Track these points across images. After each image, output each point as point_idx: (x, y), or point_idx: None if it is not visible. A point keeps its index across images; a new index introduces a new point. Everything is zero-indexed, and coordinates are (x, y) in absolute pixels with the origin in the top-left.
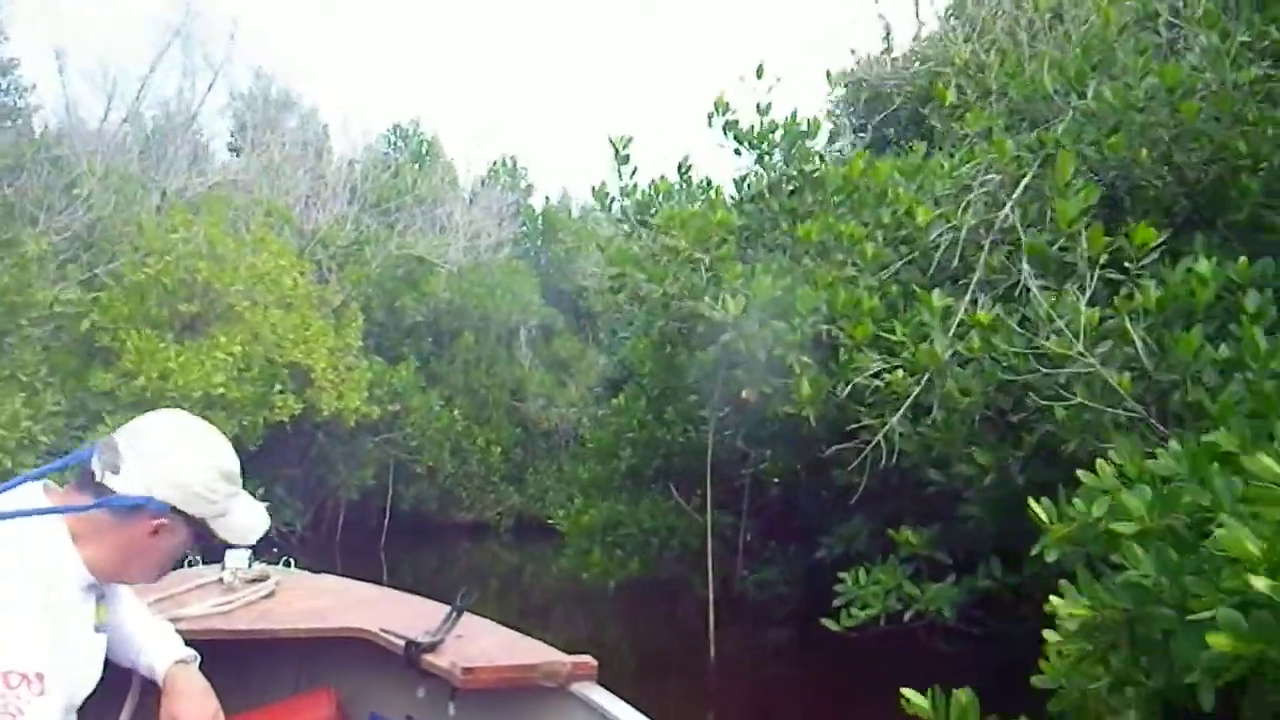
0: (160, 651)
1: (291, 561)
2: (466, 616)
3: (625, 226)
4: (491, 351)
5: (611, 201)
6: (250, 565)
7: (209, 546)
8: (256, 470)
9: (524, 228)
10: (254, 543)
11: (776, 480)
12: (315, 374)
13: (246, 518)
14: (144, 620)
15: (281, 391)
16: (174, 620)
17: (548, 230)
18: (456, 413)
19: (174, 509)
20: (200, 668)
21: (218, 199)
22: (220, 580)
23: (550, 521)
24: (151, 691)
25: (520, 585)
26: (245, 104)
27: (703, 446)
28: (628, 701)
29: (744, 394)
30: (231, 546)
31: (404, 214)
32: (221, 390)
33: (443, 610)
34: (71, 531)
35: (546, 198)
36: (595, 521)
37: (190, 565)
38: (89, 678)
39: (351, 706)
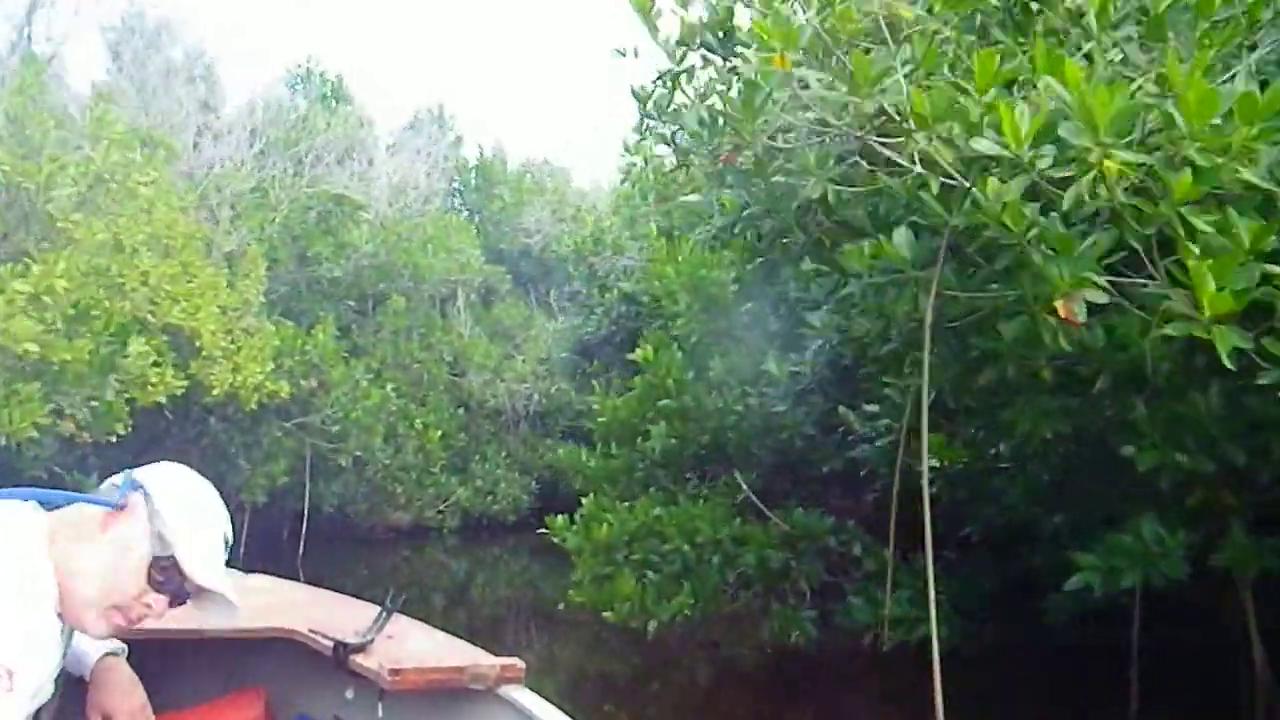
0: (87, 644)
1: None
2: (397, 617)
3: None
4: (425, 318)
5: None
6: None
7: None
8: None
9: (456, 181)
10: (208, 576)
11: (959, 465)
12: (203, 340)
13: (210, 551)
14: None
15: (158, 363)
16: None
17: (483, 185)
18: (389, 388)
19: (147, 496)
20: (134, 666)
21: (34, 62)
22: None
23: (546, 533)
24: (78, 685)
25: (470, 602)
26: (119, 35)
27: (768, 416)
28: (555, 705)
29: (1059, 306)
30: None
31: (314, 158)
32: (34, 349)
33: (374, 611)
34: (50, 534)
35: (480, 149)
36: (617, 533)
37: None
38: (50, 681)
39: (280, 707)
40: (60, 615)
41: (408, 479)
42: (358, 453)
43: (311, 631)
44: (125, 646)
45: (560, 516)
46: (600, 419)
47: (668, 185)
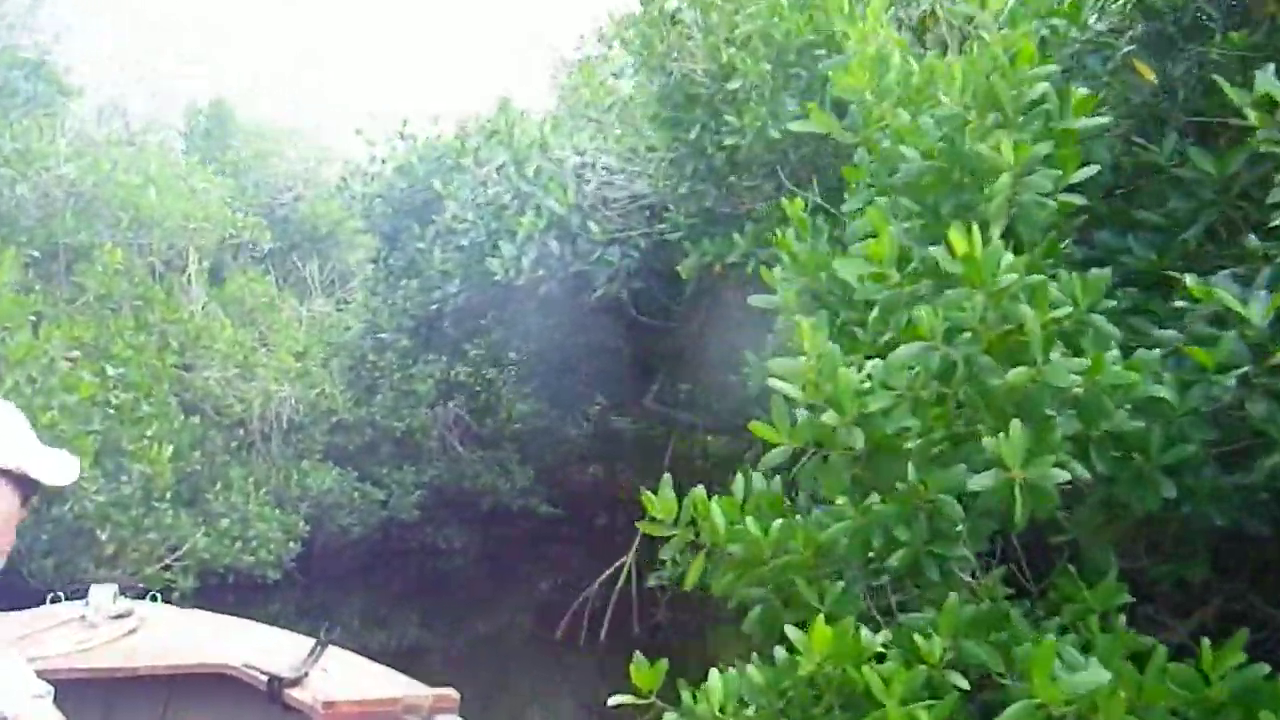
0: (11, 689)
1: (157, 596)
2: (332, 650)
3: None
4: (143, 286)
5: None
6: (115, 600)
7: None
8: None
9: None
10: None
11: None
12: None
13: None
14: None
15: None
16: (33, 660)
17: (217, 131)
18: (112, 373)
19: None
20: (63, 708)
21: None
22: (83, 617)
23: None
24: None
25: None
26: None
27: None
28: None
29: None
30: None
31: None
32: None
33: (309, 644)
34: None
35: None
36: None
37: (54, 602)
38: None
39: None
40: None
41: (123, 518)
42: None
43: (246, 666)
44: (52, 689)
45: None
46: (830, 414)
47: None
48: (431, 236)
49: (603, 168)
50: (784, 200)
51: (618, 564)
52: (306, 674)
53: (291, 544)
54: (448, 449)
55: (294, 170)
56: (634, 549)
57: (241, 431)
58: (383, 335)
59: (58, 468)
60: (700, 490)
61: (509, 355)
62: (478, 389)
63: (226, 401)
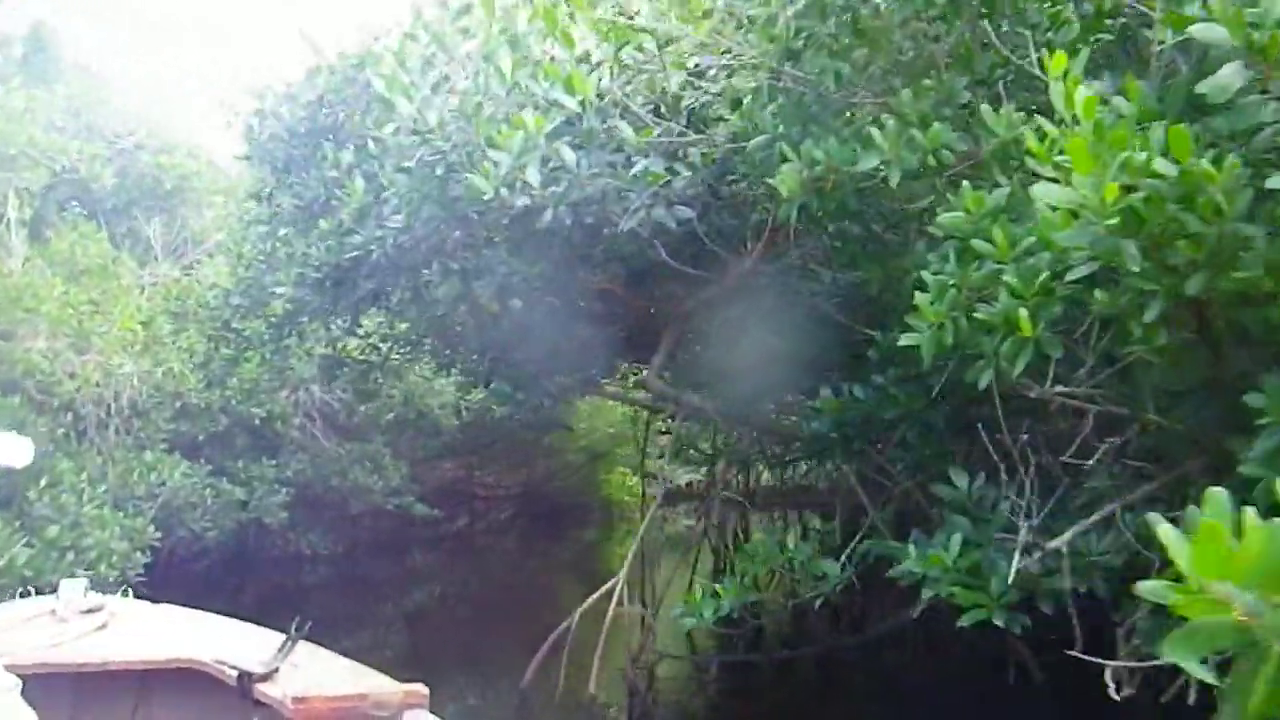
0: None
1: (129, 591)
2: (303, 645)
3: None
4: None
5: None
6: (85, 594)
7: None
8: None
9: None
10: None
11: None
12: None
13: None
14: None
15: None
16: (2, 655)
17: (37, 60)
18: None
19: None
20: (33, 703)
21: None
22: (53, 612)
23: None
24: None
25: None
26: None
27: None
28: None
29: None
30: None
31: None
32: None
33: (279, 639)
34: None
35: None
36: None
37: (24, 597)
38: None
39: None
40: None
41: None
42: None
43: (216, 661)
44: (20, 681)
45: None
46: None
47: None
48: (347, 164)
49: (626, 56)
50: (1044, 58)
51: (604, 589)
52: (277, 669)
53: (138, 554)
54: (309, 440)
55: (136, 115)
56: (623, 572)
57: (71, 416)
58: (278, 290)
59: (13, 450)
60: (1251, 513)
61: (458, 314)
62: (367, 365)
63: (54, 378)
